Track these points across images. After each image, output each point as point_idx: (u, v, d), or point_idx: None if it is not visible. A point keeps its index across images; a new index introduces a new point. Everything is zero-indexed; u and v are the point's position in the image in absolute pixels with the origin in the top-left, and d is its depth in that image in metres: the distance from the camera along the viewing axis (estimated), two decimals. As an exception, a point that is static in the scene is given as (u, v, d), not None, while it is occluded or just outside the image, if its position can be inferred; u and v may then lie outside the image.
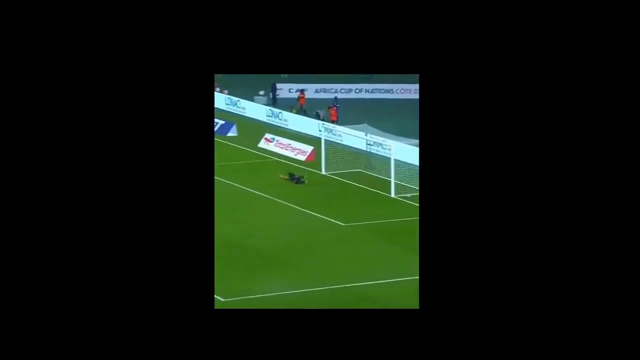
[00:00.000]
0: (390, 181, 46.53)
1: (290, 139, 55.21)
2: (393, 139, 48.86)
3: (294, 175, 48.57)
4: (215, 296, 32.00)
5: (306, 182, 48.24)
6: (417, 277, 33.91)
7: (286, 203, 45.27)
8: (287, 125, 58.80)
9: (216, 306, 29.31)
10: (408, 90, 66.60)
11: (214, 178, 22.13)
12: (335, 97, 63.75)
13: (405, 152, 48.47)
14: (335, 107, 60.42)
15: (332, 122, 57.65)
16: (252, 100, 64.70)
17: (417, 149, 45.88)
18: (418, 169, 46.24)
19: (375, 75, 66.42)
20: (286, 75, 70.03)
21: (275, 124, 59.68)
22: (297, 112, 61.76)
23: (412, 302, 30.74)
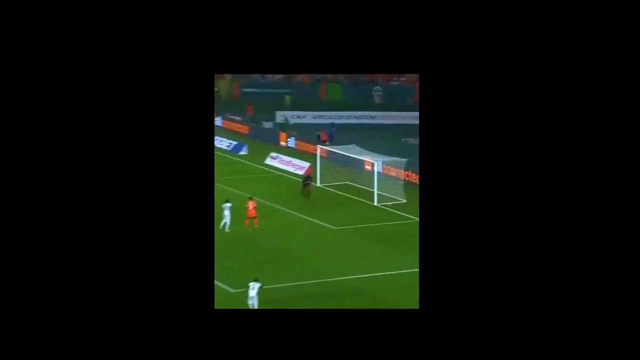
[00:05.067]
0: (373, 192, 47.00)
1: (291, 156, 56.28)
2: (377, 157, 50.16)
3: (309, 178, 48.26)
4: (223, 285, 32.71)
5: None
6: (398, 272, 36.47)
7: (287, 210, 45.74)
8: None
9: (217, 306, 28.38)
10: (389, 117, 68.83)
11: (214, 179, 20.11)
12: (332, 123, 63.90)
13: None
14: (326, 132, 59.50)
15: (324, 142, 57.49)
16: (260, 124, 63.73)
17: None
18: (397, 182, 48.60)
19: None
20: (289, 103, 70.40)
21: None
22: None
23: (396, 294, 32.85)
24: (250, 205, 41.78)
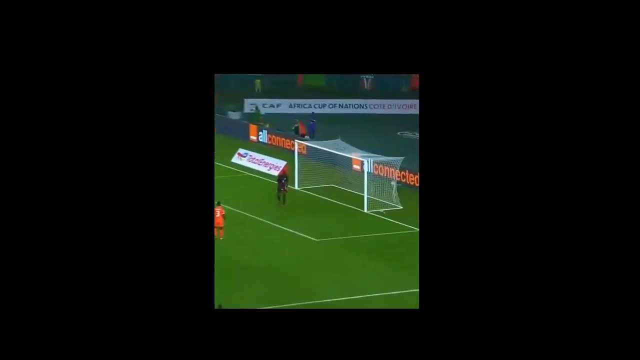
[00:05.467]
0: (363, 196, 44.94)
1: (264, 154, 53.34)
2: (365, 154, 47.60)
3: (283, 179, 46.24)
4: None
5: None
6: (389, 293, 34.85)
7: (259, 219, 43.24)
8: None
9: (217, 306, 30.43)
10: (381, 106, 65.24)
11: (214, 179, 22.01)
12: (313, 113, 60.83)
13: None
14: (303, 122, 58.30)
15: (302, 136, 55.84)
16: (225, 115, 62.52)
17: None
18: (391, 183, 46.50)
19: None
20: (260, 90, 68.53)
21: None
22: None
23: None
24: (218, 212, 39.21)
